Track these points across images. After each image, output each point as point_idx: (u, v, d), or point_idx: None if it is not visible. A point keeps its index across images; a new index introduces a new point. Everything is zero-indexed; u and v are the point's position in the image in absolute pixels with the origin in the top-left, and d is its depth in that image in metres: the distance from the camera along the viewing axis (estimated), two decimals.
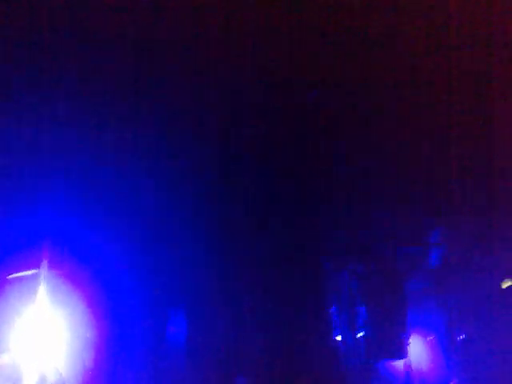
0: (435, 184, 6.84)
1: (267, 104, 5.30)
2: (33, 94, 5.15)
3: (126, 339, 6.52)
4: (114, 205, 6.18)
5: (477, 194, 6.76)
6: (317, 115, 5.55)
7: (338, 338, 7.82)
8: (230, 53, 4.61)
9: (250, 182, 6.25)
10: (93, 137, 5.52)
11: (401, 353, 7.42)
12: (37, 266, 6.36)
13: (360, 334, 7.82)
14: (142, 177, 5.94)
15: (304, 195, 6.79)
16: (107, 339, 6.39)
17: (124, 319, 6.54)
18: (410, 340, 7.59)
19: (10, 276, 6.20)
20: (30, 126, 5.40)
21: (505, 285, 7.04)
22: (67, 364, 6.14)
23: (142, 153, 5.77)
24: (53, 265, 6.47)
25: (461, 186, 6.76)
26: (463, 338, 7.50)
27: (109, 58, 4.77)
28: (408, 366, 7.53)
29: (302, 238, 6.80)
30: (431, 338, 8.34)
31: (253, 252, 6.47)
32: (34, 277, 6.32)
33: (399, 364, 7.71)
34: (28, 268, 6.31)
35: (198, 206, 6.37)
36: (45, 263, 6.41)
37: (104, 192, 6.06)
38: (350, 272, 8.08)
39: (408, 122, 5.79)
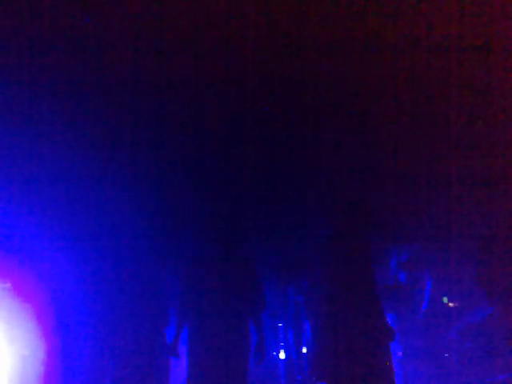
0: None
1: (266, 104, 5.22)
2: None
3: (71, 355, 6.20)
4: (64, 212, 5.92)
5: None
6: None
7: (281, 354, 7.85)
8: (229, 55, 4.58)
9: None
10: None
11: None
12: None
13: (304, 350, 7.84)
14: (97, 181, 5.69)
15: (255, 210, 6.73)
16: (54, 356, 6.10)
17: (71, 334, 6.25)
18: None
19: None
20: None
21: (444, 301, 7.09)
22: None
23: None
24: None
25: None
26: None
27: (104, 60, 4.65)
28: None
29: (249, 250, 6.72)
30: None
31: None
32: None
33: None
34: None
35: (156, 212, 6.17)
36: None
37: (51, 199, 5.79)
38: (296, 287, 8.09)
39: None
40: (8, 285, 6.06)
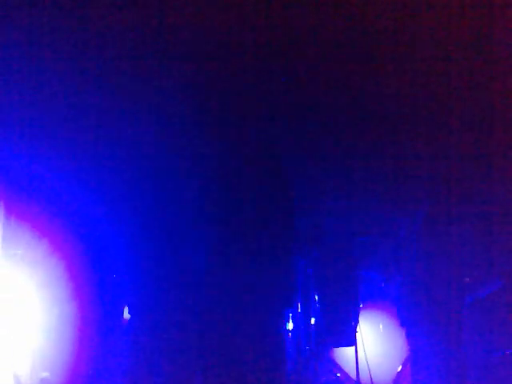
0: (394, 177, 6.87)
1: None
2: None
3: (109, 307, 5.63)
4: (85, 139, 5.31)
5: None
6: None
7: (290, 325, 7.97)
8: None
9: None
10: None
11: (349, 340, 7.57)
12: None
13: (312, 321, 7.98)
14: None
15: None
16: (90, 310, 5.55)
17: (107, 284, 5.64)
18: (360, 327, 7.72)
19: None
20: None
21: None
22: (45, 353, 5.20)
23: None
24: (11, 211, 5.35)
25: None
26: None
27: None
28: (357, 353, 7.68)
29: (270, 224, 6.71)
30: (383, 325, 8.57)
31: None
32: None
33: (349, 350, 7.90)
34: None
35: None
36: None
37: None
38: (306, 259, 8.21)
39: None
40: (28, 219, 5.26)
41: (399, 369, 8.03)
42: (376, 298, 8.55)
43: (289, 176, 6.11)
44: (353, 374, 7.72)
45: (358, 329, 7.72)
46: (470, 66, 4.68)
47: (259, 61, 4.69)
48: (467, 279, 6.84)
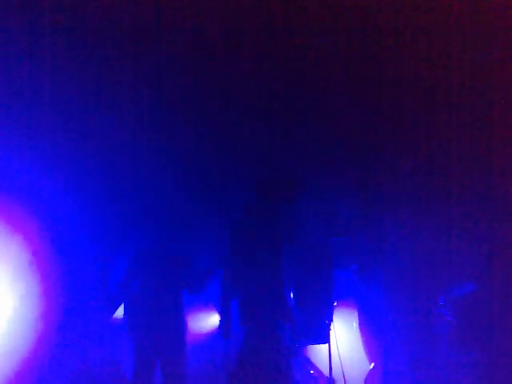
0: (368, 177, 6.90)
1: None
2: None
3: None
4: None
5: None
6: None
7: None
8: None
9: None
10: None
11: (323, 338, 7.59)
12: None
13: None
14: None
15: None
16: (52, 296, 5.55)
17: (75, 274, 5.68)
18: (333, 325, 7.73)
19: None
20: None
21: None
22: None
23: None
24: None
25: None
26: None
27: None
28: (330, 351, 7.69)
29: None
30: (358, 323, 8.63)
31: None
32: None
33: (322, 348, 7.92)
34: None
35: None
36: None
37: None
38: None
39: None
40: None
41: (371, 366, 8.07)
42: (350, 297, 8.59)
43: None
44: (326, 372, 7.74)
45: (331, 327, 7.72)
46: (470, 66, 4.69)
47: (259, 60, 4.67)
48: (442, 279, 6.89)
